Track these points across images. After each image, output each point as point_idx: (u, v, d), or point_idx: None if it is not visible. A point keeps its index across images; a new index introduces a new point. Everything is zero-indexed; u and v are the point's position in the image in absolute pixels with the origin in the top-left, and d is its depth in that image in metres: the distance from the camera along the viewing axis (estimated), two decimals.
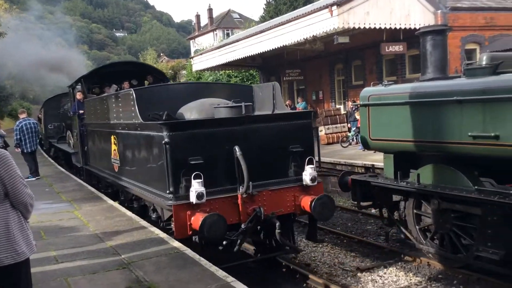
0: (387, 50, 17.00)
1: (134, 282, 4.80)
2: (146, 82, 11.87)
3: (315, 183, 6.43)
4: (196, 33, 66.43)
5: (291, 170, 6.49)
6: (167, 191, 5.87)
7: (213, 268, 5.04)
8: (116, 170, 8.50)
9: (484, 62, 6.25)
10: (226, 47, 23.62)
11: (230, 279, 4.69)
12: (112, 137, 8.48)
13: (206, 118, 6.46)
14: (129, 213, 8.03)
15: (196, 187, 5.64)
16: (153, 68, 14.09)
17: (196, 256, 5.47)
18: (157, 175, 6.25)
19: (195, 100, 7.23)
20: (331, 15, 15.44)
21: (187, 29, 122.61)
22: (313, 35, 17.07)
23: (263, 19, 39.92)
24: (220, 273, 4.89)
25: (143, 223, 7.23)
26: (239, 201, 6.01)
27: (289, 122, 6.55)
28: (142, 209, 7.75)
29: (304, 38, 17.60)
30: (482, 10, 17.58)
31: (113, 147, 8.52)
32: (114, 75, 11.68)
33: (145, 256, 5.59)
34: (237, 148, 5.91)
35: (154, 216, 6.90)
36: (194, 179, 5.63)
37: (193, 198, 5.66)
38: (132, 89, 6.97)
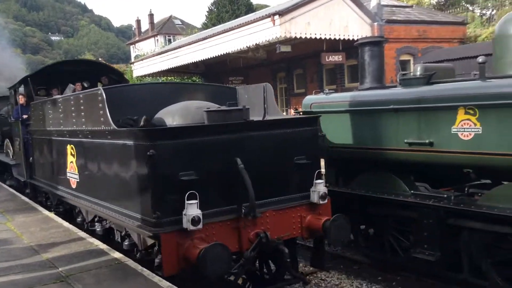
0: (327, 60, 17.49)
1: None
2: (99, 85, 10.32)
3: (325, 201, 5.58)
4: (137, 38, 65.32)
5: (296, 186, 5.54)
6: (153, 215, 4.65)
7: (156, 279, 4.93)
8: (74, 186, 7.14)
9: (418, 73, 6.55)
10: (169, 53, 23.41)
11: None
12: (69, 146, 7.17)
13: (203, 124, 5.35)
14: (66, 224, 7.71)
15: (191, 210, 4.54)
16: (109, 67, 12.39)
17: (138, 267, 5.33)
18: (137, 194, 5.05)
19: (171, 102, 6.20)
20: (273, 24, 15.70)
21: (127, 34, 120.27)
22: (255, 43, 17.28)
23: (205, 26, 39.89)
24: (164, 283, 4.79)
25: (81, 234, 6.97)
26: (241, 225, 5.01)
27: (293, 129, 5.58)
28: (107, 233, 6.66)
29: (247, 46, 17.78)
30: (416, 23, 18.53)
31: (70, 158, 7.18)
32: (63, 75, 10.24)
33: (84, 269, 5.37)
34: (238, 161, 4.91)
35: (126, 244, 5.77)
36: (187, 199, 4.54)
37: (187, 224, 4.53)
38: (101, 88, 5.80)
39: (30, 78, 10.18)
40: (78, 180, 6.94)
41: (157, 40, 58.90)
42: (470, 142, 5.54)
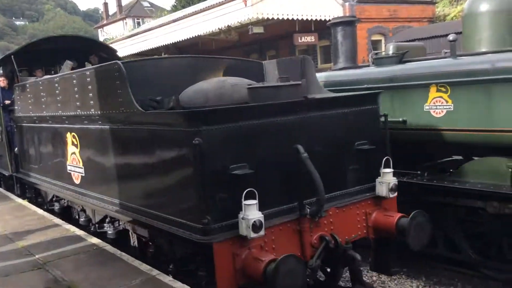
0: (299, 41, 17.51)
1: (52, 282, 4.56)
2: (87, 65, 9.07)
3: (395, 194, 4.75)
4: (105, 22, 63.94)
5: (359, 176, 4.70)
6: (201, 220, 3.71)
7: (136, 262, 4.92)
8: (77, 181, 6.07)
9: (391, 52, 6.64)
10: (138, 36, 23.03)
11: (155, 272, 4.61)
12: (70, 135, 6.08)
13: (261, 104, 4.27)
14: (40, 211, 7.58)
15: (250, 212, 3.65)
16: (100, 44, 10.74)
17: (117, 252, 5.30)
18: (175, 194, 4.11)
19: (193, 79, 5.23)
20: (245, 5, 15.58)
21: (94, 18, 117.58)
22: (227, 25, 17.13)
23: (175, 8, 39.25)
24: (144, 266, 4.78)
25: (57, 221, 6.87)
26: (304, 227, 4.13)
27: (353, 108, 4.67)
28: (120, 235, 5.76)
29: (218, 28, 17.63)
30: (386, 2, 18.67)
31: (71, 149, 6.10)
32: (46, 54, 9.02)
33: (62, 255, 5.31)
34: (301, 148, 4.01)
35: (151, 251, 4.90)
36: (245, 199, 3.67)
37: (246, 230, 3.66)
38: (117, 61, 4.75)
39: (14, 57, 8.66)
40: (83, 175, 5.90)
41: (126, 23, 57.77)
42: (442, 119, 5.66)
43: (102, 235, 5.97)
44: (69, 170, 6.27)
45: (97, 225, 6.09)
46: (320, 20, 16.68)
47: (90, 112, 5.36)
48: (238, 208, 3.70)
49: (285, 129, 4.12)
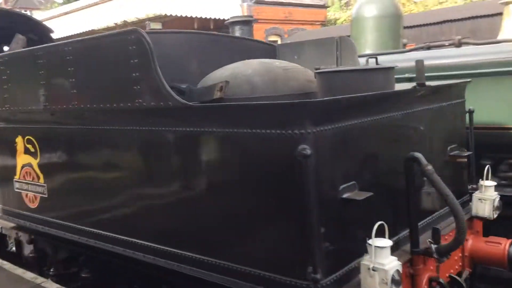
0: None
1: None
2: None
3: (497, 214, 3.60)
4: None
5: (453, 192, 3.31)
6: (305, 273, 2.37)
7: (19, 271, 4.62)
8: (33, 204, 4.26)
9: None
10: None
11: (40, 280, 4.37)
12: (21, 140, 4.27)
13: (399, 91, 3.10)
14: None
15: (385, 259, 2.40)
16: (29, 20, 7.25)
17: None
18: (253, 232, 2.65)
19: (205, 60, 3.95)
20: None
21: None
22: (124, 20, 16.60)
23: (67, 1, 37.20)
24: (28, 275, 4.51)
25: None
26: (418, 269, 2.88)
27: (449, 102, 3.57)
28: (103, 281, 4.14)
29: (114, 23, 17.02)
30: (282, 5, 19.32)
31: (24, 159, 4.29)
32: None
33: None
34: (422, 158, 2.69)
35: None
36: (374, 237, 2.42)
37: (380, 287, 2.39)
38: (137, 28, 3.04)
39: None
40: (45, 196, 4.09)
41: None
42: None
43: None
44: (18, 188, 4.50)
45: (54, 268, 4.53)
46: (219, 19, 16.78)
47: (71, 107, 3.62)
48: (350, 251, 2.58)
49: (392, 130, 2.97)
